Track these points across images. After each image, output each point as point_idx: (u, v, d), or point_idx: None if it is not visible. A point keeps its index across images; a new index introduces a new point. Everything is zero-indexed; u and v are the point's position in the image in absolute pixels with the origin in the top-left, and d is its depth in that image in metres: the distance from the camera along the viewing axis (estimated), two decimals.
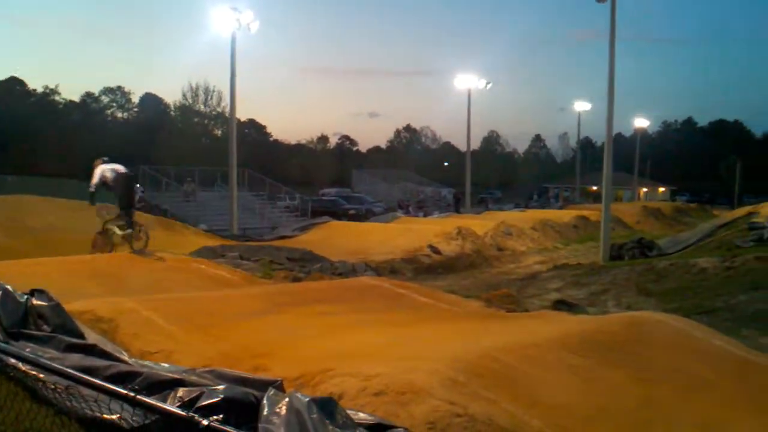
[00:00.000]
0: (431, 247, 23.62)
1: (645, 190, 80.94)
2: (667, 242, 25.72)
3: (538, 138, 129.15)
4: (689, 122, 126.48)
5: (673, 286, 14.15)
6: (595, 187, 63.43)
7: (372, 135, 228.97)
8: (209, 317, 6.72)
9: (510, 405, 4.30)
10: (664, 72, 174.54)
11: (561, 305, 10.83)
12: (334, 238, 26.91)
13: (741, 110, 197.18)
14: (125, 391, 2.51)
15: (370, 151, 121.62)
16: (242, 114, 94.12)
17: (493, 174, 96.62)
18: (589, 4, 22.75)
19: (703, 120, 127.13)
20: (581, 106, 60.71)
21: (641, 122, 70.02)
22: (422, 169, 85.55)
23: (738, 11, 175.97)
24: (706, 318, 11.06)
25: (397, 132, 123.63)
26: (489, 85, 48.89)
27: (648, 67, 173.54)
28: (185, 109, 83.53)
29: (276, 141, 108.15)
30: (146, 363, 3.71)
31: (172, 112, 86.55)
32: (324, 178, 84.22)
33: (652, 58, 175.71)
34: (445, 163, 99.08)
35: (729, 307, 11.87)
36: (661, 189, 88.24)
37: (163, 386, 2.91)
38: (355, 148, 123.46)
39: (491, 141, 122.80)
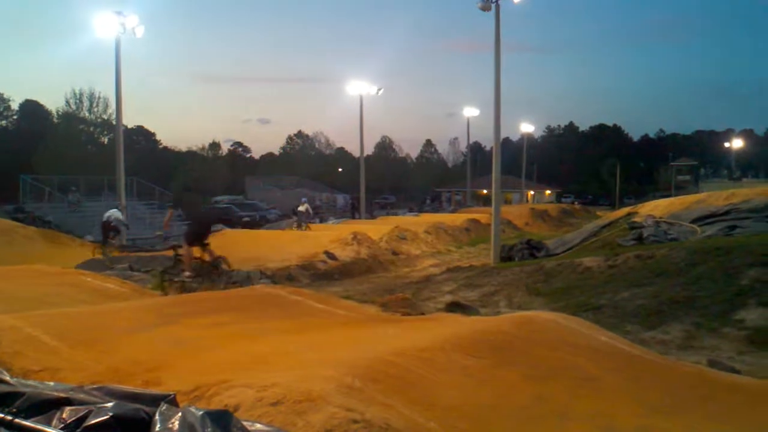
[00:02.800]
0: (327, 253, 23.61)
1: (532, 192, 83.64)
2: (555, 243, 26.61)
3: (429, 143, 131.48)
4: (571, 127, 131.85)
5: (560, 286, 14.64)
6: (485, 191, 65.04)
7: (264, 141, 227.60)
8: (97, 332, 6.48)
9: (406, 408, 4.35)
10: (546, 79, 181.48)
11: (454, 307, 11.04)
12: (228, 246, 26.39)
13: (619, 115, 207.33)
14: (2, 414, 2.39)
15: (263, 157, 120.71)
16: (130, 121, 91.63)
17: (387, 179, 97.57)
18: (475, 13, 23.34)
19: (584, 124, 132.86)
20: (470, 112, 62.30)
21: (527, 127, 72.41)
22: (317, 175, 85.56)
23: (612, 20, 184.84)
24: (592, 315, 11.52)
25: (290, 138, 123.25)
26: (380, 91, 49.45)
27: (532, 74, 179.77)
28: (69, 117, 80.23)
29: (166, 148, 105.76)
30: (29, 382, 3.54)
31: (55, 120, 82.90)
32: (217, 185, 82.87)
33: (535, 66, 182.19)
34: (339, 169, 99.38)
35: (613, 303, 12.38)
36: (548, 191, 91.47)
37: (47, 406, 2.78)
38: (248, 155, 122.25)
39: (384, 146, 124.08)
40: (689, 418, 5.21)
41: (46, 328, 6.33)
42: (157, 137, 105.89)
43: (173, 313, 7.57)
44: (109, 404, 2.63)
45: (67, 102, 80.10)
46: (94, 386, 3.09)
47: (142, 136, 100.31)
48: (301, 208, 35.34)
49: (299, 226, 34.02)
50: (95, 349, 5.87)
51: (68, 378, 4.76)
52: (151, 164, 77.82)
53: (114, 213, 26.45)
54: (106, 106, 77.70)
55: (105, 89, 77.46)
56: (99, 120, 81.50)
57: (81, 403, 2.76)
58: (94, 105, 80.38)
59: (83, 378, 4.69)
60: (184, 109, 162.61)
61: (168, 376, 5.06)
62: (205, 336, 6.53)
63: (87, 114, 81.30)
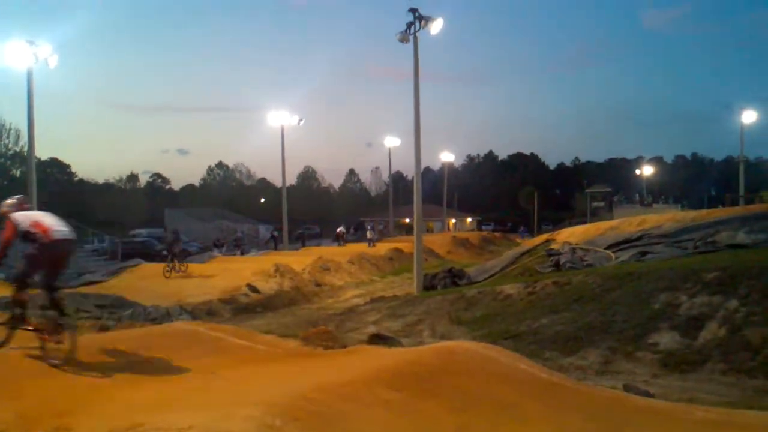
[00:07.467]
0: (249, 285, 23.33)
1: (454, 220, 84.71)
2: (476, 271, 26.96)
3: (352, 172, 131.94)
4: (490, 155, 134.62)
5: (482, 313, 14.79)
6: (408, 219, 65.50)
7: (184, 172, 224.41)
8: (3, 376, 6.19)
9: None
10: (465, 108, 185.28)
11: (377, 339, 11.00)
12: (146, 281, 25.91)
13: (536, 143, 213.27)
14: None
15: (183, 189, 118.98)
16: (43, 153, 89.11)
17: (310, 209, 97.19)
18: (394, 44, 23.67)
19: (502, 153, 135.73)
20: (391, 141, 62.65)
21: (447, 156, 73.35)
22: (238, 206, 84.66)
23: (529, 51, 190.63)
24: (513, 342, 11.69)
25: (210, 169, 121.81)
26: (302, 122, 49.33)
27: (452, 103, 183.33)
28: None
29: (82, 180, 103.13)
30: None
31: None
32: (135, 218, 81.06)
33: (455, 95, 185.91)
34: (262, 200, 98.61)
35: (533, 330, 12.59)
36: (469, 219, 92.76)
37: None
38: (167, 186, 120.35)
39: (307, 176, 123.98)
40: None
41: None
42: (73, 169, 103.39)
43: (87, 354, 7.31)
44: None
45: None
46: None
47: (56, 168, 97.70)
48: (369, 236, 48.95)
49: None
50: (1, 394, 5.61)
51: None
52: (66, 197, 75.64)
53: (342, 228, 50.16)
54: (18, 138, 74.99)
55: (16, 120, 74.70)
56: (10, 152, 78.58)
57: None
58: (5, 136, 77.48)
59: None
60: (101, 140, 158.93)
61: (79, 420, 4.89)
62: (119, 377, 6.33)
63: None
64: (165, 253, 29.40)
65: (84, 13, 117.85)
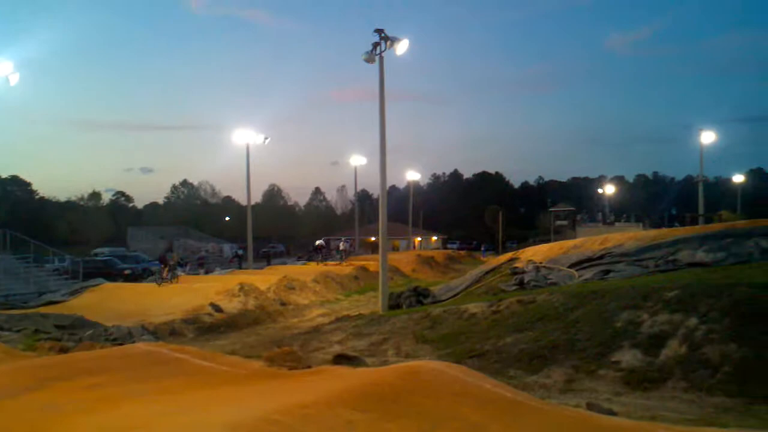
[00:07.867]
0: (213, 305, 23.13)
1: (419, 239, 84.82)
2: (441, 289, 27.00)
3: (318, 191, 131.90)
4: (456, 174, 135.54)
5: (447, 332, 14.80)
6: (373, 238, 65.51)
7: (148, 190, 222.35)
8: None
9: None
10: (431, 127, 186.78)
11: (341, 359, 10.96)
12: (108, 301, 25.56)
13: (501, 162, 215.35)
14: None
15: (147, 207, 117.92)
16: (3, 170, 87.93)
17: (275, 227, 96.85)
18: (360, 64, 23.78)
19: (468, 172, 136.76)
20: (357, 160, 62.69)
21: (413, 175, 73.65)
22: (203, 225, 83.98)
23: (493, 71, 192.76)
24: (478, 361, 11.72)
25: (174, 187, 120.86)
26: (267, 140, 49.15)
27: (418, 122, 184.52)
28: None
29: (43, 198, 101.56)
30: None
31: None
32: (97, 236, 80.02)
33: (421, 115, 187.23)
34: (227, 218, 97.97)
35: (497, 349, 12.63)
36: (434, 238, 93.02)
37: None
38: (130, 205, 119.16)
39: (273, 194, 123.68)
40: None
41: None
42: (34, 187, 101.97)
43: (44, 377, 7.17)
44: None
45: None
46: None
47: (16, 186, 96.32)
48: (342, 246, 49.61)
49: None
50: None
51: None
52: (27, 215, 74.53)
53: (322, 241, 49.29)
54: None
55: None
56: None
57: None
58: None
59: None
60: (63, 158, 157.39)
61: None
62: (78, 400, 6.22)
63: None
64: (159, 264, 32.26)
65: (46, 31, 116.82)
